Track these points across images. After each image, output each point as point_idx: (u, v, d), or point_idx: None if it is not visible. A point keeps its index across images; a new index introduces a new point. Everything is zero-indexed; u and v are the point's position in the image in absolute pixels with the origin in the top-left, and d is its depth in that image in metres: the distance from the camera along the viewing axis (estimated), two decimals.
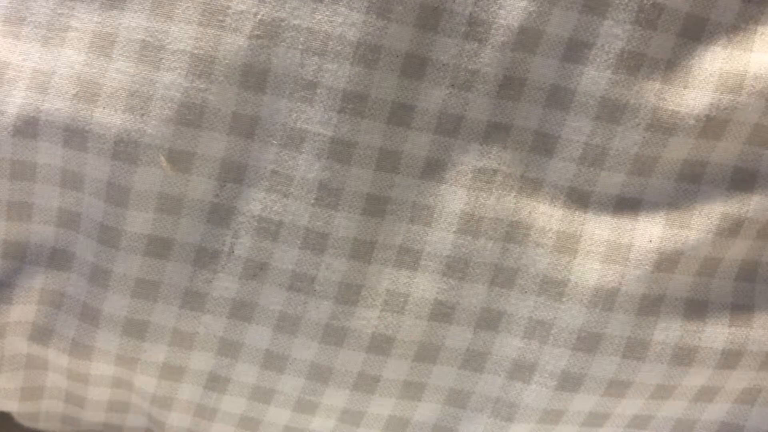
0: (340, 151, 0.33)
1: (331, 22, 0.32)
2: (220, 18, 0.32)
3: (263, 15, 0.32)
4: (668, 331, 0.35)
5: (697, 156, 0.34)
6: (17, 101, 0.33)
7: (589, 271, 0.34)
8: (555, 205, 0.34)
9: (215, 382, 0.37)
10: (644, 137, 0.33)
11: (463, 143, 0.33)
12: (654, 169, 0.34)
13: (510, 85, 0.33)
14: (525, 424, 0.36)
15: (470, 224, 0.34)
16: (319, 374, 0.36)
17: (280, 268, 0.34)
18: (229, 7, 0.32)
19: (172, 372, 0.36)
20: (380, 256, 0.34)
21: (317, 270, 0.34)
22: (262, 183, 0.33)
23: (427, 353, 0.35)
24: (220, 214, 0.34)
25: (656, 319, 0.35)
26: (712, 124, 0.33)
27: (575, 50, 0.32)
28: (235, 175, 0.33)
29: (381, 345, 0.35)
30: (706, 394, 0.36)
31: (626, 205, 0.34)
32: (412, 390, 0.36)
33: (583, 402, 0.36)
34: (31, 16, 0.33)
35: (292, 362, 0.35)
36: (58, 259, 0.35)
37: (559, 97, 0.33)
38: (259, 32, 0.32)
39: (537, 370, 0.35)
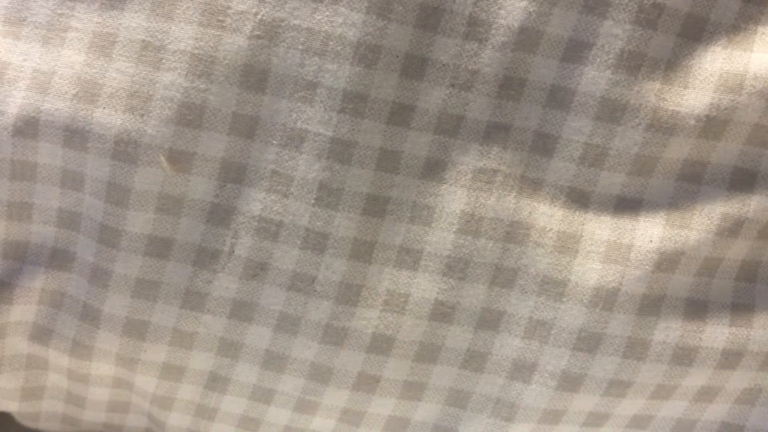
0: (340, 151, 0.33)
1: (331, 22, 0.32)
2: (220, 18, 0.32)
3: (263, 15, 0.32)
4: (668, 331, 0.35)
5: (698, 156, 0.34)
6: (17, 101, 0.33)
7: (589, 271, 0.34)
8: (555, 205, 0.34)
9: (215, 382, 0.37)
10: (644, 137, 0.33)
11: (463, 143, 0.33)
12: (654, 169, 0.34)
13: (510, 85, 0.33)
14: (525, 424, 0.36)
15: (470, 224, 0.34)
16: (320, 374, 0.36)
17: (280, 268, 0.34)
18: (229, 7, 0.32)
19: (172, 372, 0.36)
20: (380, 256, 0.34)
21: (317, 270, 0.34)
22: (262, 183, 0.33)
23: (427, 353, 0.35)
24: (220, 214, 0.34)
25: (656, 319, 0.35)
26: (712, 124, 0.33)
27: (575, 50, 0.32)
28: (235, 175, 0.33)
29: (381, 345, 0.35)
30: (706, 394, 0.36)
31: (626, 205, 0.34)
32: (413, 390, 0.36)
33: (584, 402, 0.36)
34: (31, 16, 0.33)
35: (293, 362, 0.35)
36: (58, 259, 0.35)
37: (559, 97, 0.33)
38: (259, 32, 0.32)
39: (537, 370, 0.35)
